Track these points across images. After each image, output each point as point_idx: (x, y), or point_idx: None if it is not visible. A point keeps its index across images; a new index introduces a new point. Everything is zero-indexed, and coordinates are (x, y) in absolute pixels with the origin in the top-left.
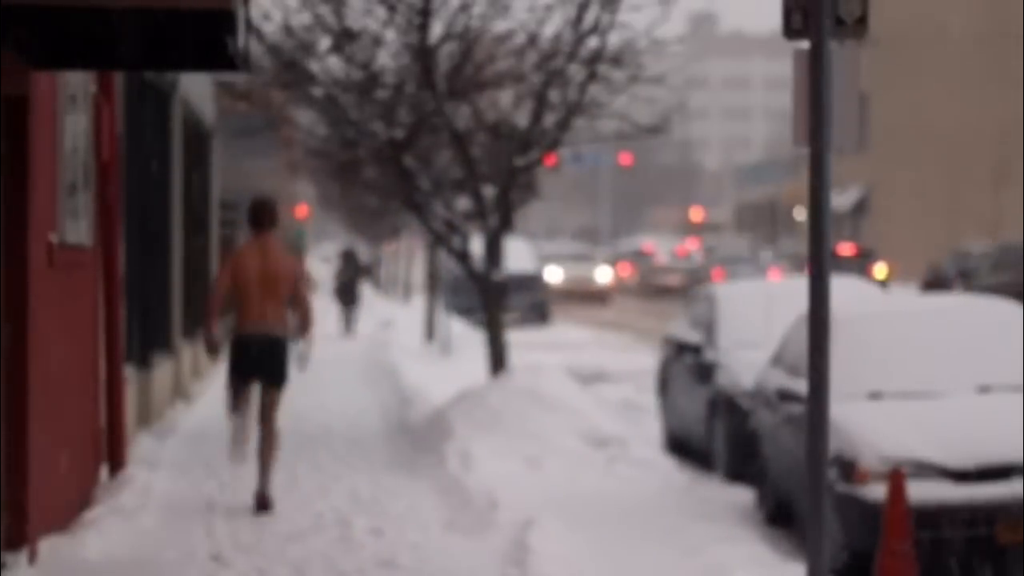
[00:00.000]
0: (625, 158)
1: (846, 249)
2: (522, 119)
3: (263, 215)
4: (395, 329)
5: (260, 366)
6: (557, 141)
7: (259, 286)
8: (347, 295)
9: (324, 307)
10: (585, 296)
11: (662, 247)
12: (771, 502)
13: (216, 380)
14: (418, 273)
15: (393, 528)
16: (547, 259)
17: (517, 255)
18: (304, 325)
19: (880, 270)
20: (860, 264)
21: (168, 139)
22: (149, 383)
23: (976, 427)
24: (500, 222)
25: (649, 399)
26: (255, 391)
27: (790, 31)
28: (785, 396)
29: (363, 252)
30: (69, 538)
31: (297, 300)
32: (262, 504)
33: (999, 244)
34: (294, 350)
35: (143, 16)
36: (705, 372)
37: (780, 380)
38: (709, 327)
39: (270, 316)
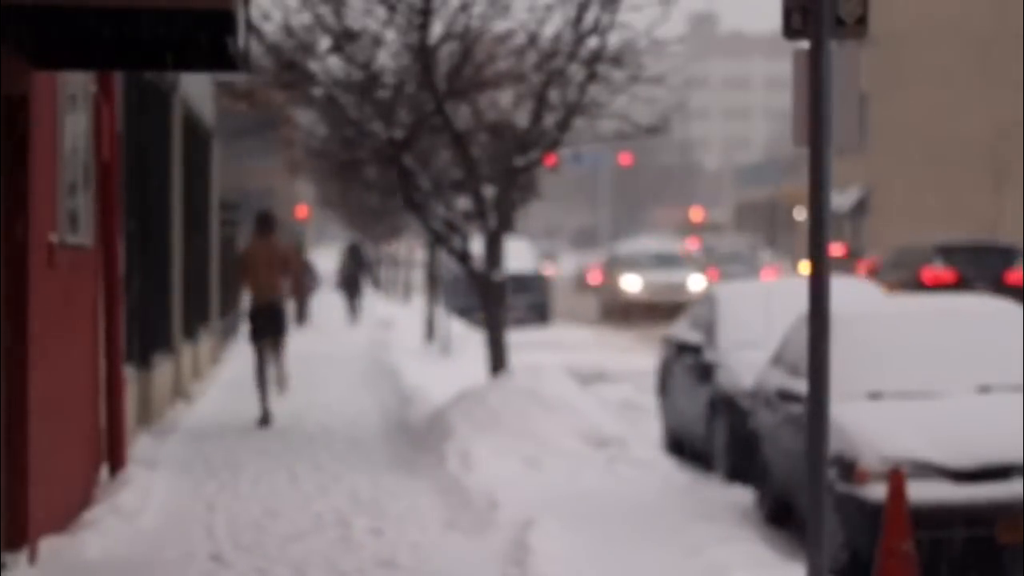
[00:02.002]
0: (625, 158)
1: (836, 250)
2: (522, 119)
3: (267, 223)
4: (395, 329)
5: (269, 323)
6: (557, 141)
7: (265, 270)
8: (351, 287)
9: (329, 299)
10: (674, 310)
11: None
12: (771, 502)
13: (216, 381)
14: (418, 273)
15: (393, 528)
16: (622, 265)
17: (517, 255)
18: (294, 288)
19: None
20: (849, 264)
21: (168, 139)
22: (149, 383)
23: (976, 427)
24: (500, 222)
25: (649, 399)
26: (267, 347)
27: (790, 31)
28: (785, 396)
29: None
30: (69, 538)
31: (288, 273)
32: (267, 414)
33: (899, 245)
34: (290, 311)
35: (143, 16)
36: (705, 372)
37: (780, 380)
38: (709, 327)
39: (272, 289)
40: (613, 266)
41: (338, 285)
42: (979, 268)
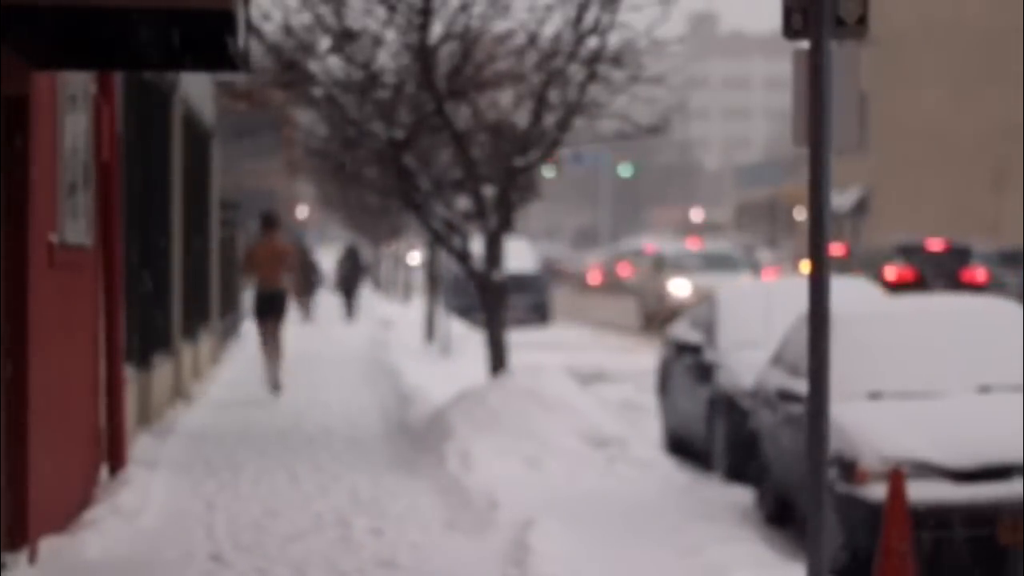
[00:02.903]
0: (624, 170)
1: (836, 250)
2: (522, 119)
3: (271, 221)
4: (395, 329)
5: (271, 309)
6: (557, 141)
7: (268, 263)
8: (349, 286)
9: (330, 299)
10: None
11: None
12: (771, 502)
13: (216, 381)
14: (418, 273)
15: (393, 528)
16: (670, 267)
17: (518, 255)
18: (298, 289)
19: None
20: (848, 264)
21: (168, 139)
22: (149, 383)
23: (976, 427)
24: (500, 222)
25: (649, 399)
26: (269, 330)
27: (790, 31)
28: (785, 396)
29: (364, 252)
30: (69, 538)
31: (289, 269)
32: (275, 387)
33: (872, 246)
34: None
35: (143, 16)
36: (705, 372)
37: (780, 380)
38: (709, 327)
39: (274, 279)
40: (658, 268)
41: (336, 285)
42: (937, 267)
